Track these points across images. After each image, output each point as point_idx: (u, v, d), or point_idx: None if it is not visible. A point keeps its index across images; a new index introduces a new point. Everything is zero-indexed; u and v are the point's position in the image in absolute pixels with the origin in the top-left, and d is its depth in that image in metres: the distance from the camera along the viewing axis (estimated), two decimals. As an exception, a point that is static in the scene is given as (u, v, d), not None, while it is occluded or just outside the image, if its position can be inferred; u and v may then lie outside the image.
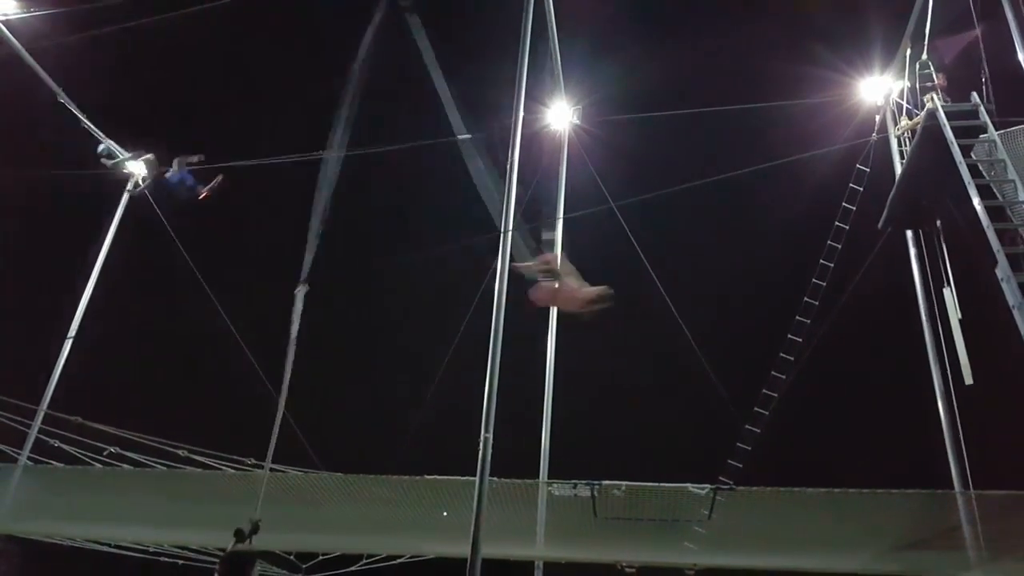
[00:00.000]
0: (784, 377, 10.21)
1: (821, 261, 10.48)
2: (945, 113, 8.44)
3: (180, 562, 11.21)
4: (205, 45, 12.72)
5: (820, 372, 10.69)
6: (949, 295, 9.43)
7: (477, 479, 6.37)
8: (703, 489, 7.59)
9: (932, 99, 8.82)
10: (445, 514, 8.18)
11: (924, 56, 9.64)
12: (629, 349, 13.04)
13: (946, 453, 9.20)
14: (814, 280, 10.44)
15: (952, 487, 8.86)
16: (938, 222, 9.96)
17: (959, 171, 7.83)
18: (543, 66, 11.00)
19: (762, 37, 11.77)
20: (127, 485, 9.21)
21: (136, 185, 12.18)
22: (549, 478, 9.55)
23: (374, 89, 10.04)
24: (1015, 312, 6.60)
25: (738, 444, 10.17)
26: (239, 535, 5.40)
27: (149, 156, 11.71)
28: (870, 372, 12.04)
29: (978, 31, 8.81)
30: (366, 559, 10.81)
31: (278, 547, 10.01)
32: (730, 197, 11.49)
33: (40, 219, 12.08)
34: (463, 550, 6.16)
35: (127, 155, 11.75)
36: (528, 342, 10.82)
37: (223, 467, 9.25)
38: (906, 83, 10.09)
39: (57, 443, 9.58)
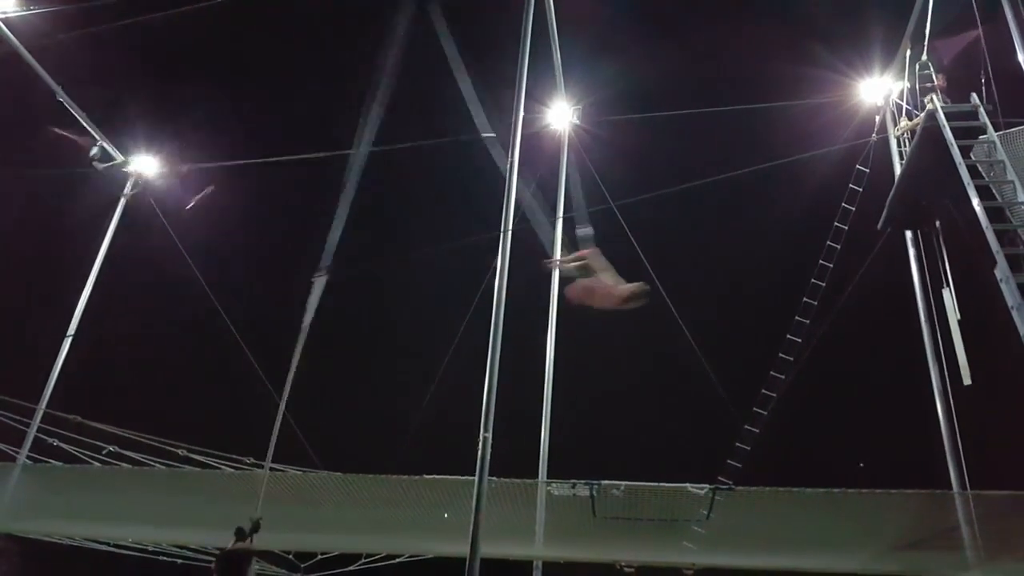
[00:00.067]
0: (783, 377, 10.22)
1: (820, 261, 10.48)
2: (945, 114, 8.44)
3: (179, 561, 11.21)
4: (206, 43, 12.73)
5: (819, 372, 10.69)
6: (948, 296, 9.43)
7: (476, 479, 6.37)
8: (702, 489, 7.60)
9: (932, 100, 8.82)
10: (446, 515, 8.18)
11: (924, 57, 9.64)
12: (628, 349, 13.04)
13: (944, 453, 9.21)
14: (813, 280, 10.45)
15: (950, 487, 8.87)
16: (937, 223, 9.97)
17: (958, 172, 7.83)
18: (543, 66, 11.02)
19: (762, 37, 11.77)
20: (126, 484, 9.21)
21: (135, 185, 12.16)
22: (548, 478, 9.56)
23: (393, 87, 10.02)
24: (1014, 313, 6.60)
25: (737, 444, 10.18)
26: (240, 533, 5.40)
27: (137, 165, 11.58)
28: (869, 372, 12.05)
29: (978, 32, 8.81)
30: (365, 558, 10.81)
31: (277, 546, 10.00)
32: (730, 197, 11.50)
33: (39, 217, 12.07)
34: (462, 549, 6.17)
35: (121, 159, 11.63)
36: (528, 341, 10.82)
37: (222, 466, 9.25)
38: (906, 84, 10.09)
39: (56, 442, 9.58)
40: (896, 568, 8.34)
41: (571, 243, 8.76)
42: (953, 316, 9.25)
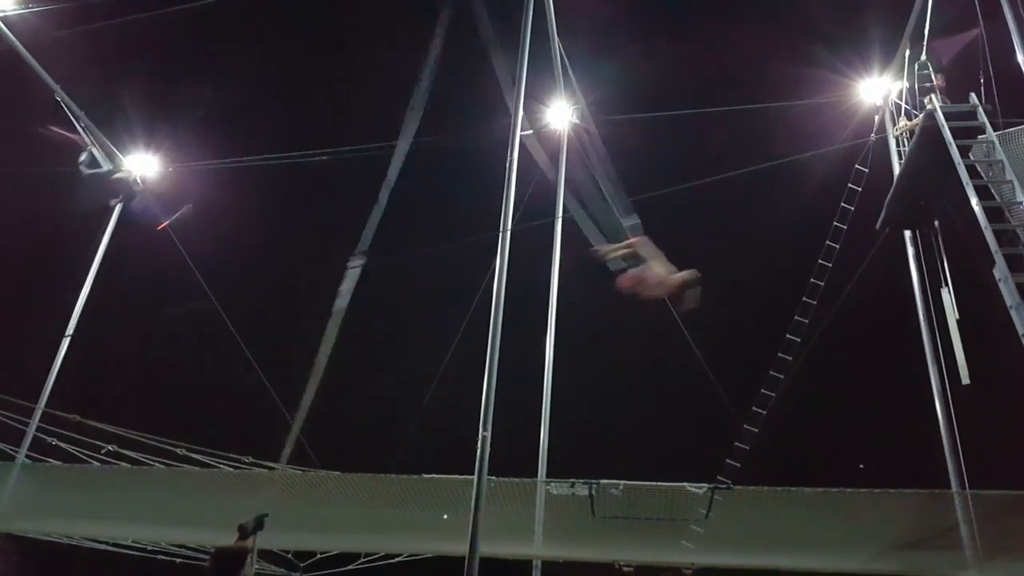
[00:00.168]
0: (782, 377, 10.22)
1: (820, 261, 10.49)
2: (944, 114, 8.44)
3: (178, 560, 11.21)
4: (206, 41, 12.73)
5: (818, 372, 10.70)
6: (947, 295, 9.44)
7: (475, 478, 6.38)
8: (701, 488, 7.60)
9: (931, 100, 8.82)
10: (445, 517, 8.18)
11: (923, 57, 9.64)
12: (628, 348, 13.05)
13: (943, 453, 9.21)
14: (812, 280, 10.45)
15: (949, 487, 8.87)
16: (936, 222, 9.97)
17: (957, 172, 7.83)
18: (543, 66, 11.01)
19: (762, 37, 11.77)
20: (125, 483, 9.20)
21: (133, 184, 12.13)
22: (547, 477, 9.56)
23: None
24: (1012, 312, 6.61)
25: (736, 443, 10.18)
26: (242, 530, 5.39)
27: (124, 174, 11.42)
28: (868, 372, 12.06)
29: (977, 31, 8.81)
30: (364, 558, 10.82)
31: (276, 546, 10.00)
32: (729, 197, 11.49)
33: (38, 217, 12.05)
34: (461, 549, 6.17)
35: (107, 167, 11.44)
36: (527, 341, 10.82)
37: (221, 465, 9.24)
38: (905, 84, 10.09)
39: (55, 441, 9.57)
40: (895, 567, 8.34)
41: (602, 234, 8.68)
42: (952, 316, 9.26)
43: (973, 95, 8.51)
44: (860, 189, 10.68)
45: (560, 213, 11.57)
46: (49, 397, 10.86)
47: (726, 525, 7.89)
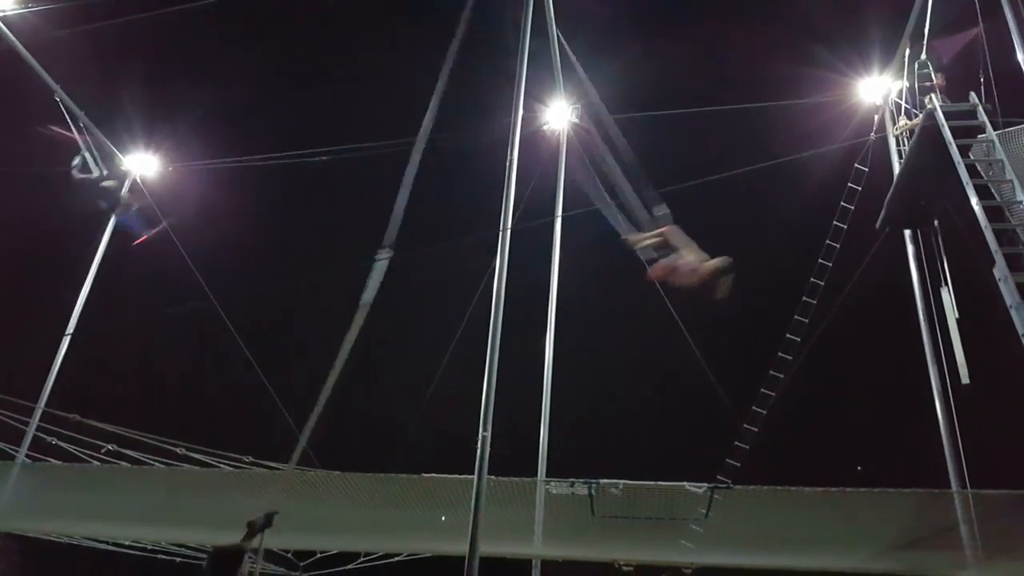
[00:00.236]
0: (782, 376, 10.22)
1: (819, 260, 10.48)
2: (943, 113, 8.43)
3: (178, 560, 11.22)
4: (206, 40, 12.73)
5: (818, 371, 10.69)
6: (946, 295, 9.43)
7: (475, 477, 6.38)
8: (700, 488, 7.60)
9: (931, 99, 8.81)
10: (443, 519, 8.18)
11: (923, 56, 9.64)
12: (627, 348, 13.05)
13: (943, 452, 9.21)
14: (812, 279, 10.45)
15: (949, 486, 8.87)
16: (936, 222, 9.96)
17: (957, 171, 7.83)
18: (542, 65, 11.01)
19: (761, 37, 11.76)
20: (125, 483, 9.20)
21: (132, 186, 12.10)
22: (547, 476, 9.56)
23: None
24: (1012, 312, 6.60)
25: (736, 443, 10.18)
26: (251, 527, 5.40)
27: (111, 183, 11.29)
28: (868, 371, 12.06)
29: (977, 31, 8.81)
30: (364, 557, 10.82)
31: (276, 545, 10.00)
32: (729, 196, 11.48)
33: (38, 215, 12.06)
34: (461, 548, 6.18)
35: (97, 173, 11.26)
36: (527, 340, 10.82)
37: (221, 465, 9.25)
38: (905, 83, 10.08)
39: (55, 440, 9.58)
40: (895, 567, 8.34)
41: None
42: (952, 315, 9.25)
43: (973, 94, 8.50)
44: (860, 188, 10.67)
45: (560, 212, 11.57)
46: (49, 396, 10.86)
47: (726, 524, 7.89)
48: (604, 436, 12.76)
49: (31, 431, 9.99)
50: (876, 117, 11.11)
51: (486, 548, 6.33)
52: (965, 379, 8.92)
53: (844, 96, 11.21)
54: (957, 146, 8.01)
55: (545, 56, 11.20)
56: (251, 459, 9.25)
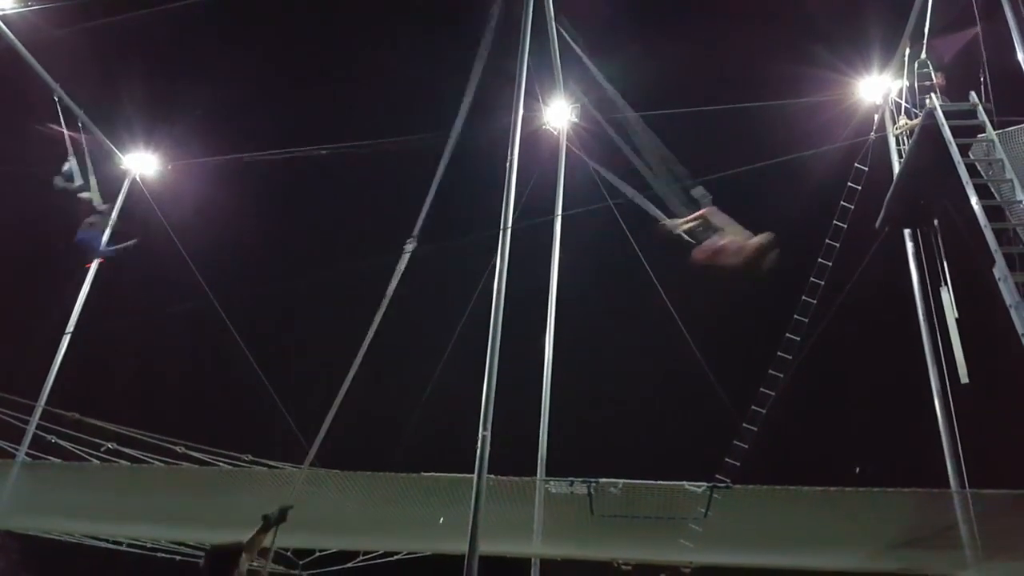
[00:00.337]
0: (781, 376, 10.22)
1: (819, 260, 10.48)
2: (944, 112, 8.43)
3: (177, 558, 11.23)
4: (206, 38, 12.73)
5: (817, 371, 10.69)
6: (946, 294, 9.43)
7: (475, 476, 6.39)
8: (700, 487, 7.61)
9: (931, 98, 8.81)
10: (441, 520, 8.19)
11: (923, 55, 9.63)
12: (627, 347, 13.04)
13: (943, 452, 9.21)
14: (812, 279, 10.44)
15: (948, 486, 8.87)
16: (936, 221, 9.96)
17: (957, 170, 7.82)
18: (542, 64, 11.00)
19: (761, 36, 11.75)
20: (125, 481, 9.21)
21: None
22: (546, 475, 9.57)
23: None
24: (1012, 311, 6.60)
25: (735, 442, 10.18)
26: (266, 520, 5.41)
27: (87, 195, 10.82)
28: (867, 371, 12.05)
29: (977, 30, 8.80)
30: (363, 556, 10.83)
31: (276, 543, 10.00)
32: (729, 196, 11.46)
33: (38, 214, 12.05)
34: (460, 547, 6.18)
35: (79, 183, 10.82)
36: (526, 340, 10.82)
37: (220, 463, 9.25)
38: (905, 82, 10.08)
39: (55, 439, 9.58)
40: (894, 566, 8.34)
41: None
42: (951, 315, 9.25)
43: (973, 94, 8.49)
44: (860, 188, 10.67)
45: (559, 212, 11.58)
46: (49, 395, 10.87)
47: (725, 524, 7.90)
48: (603, 435, 12.77)
49: (31, 430, 10.00)
50: (876, 116, 11.10)
51: (485, 547, 6.34)
52: (964, 379, 8.92)
53: (844, 95, 11.20)
54: (957, 145, 8.01)
55: (546, 55, 11.21)
56: (250, 457, 9.25)
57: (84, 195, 10.74)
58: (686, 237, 7.80)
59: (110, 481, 9.23)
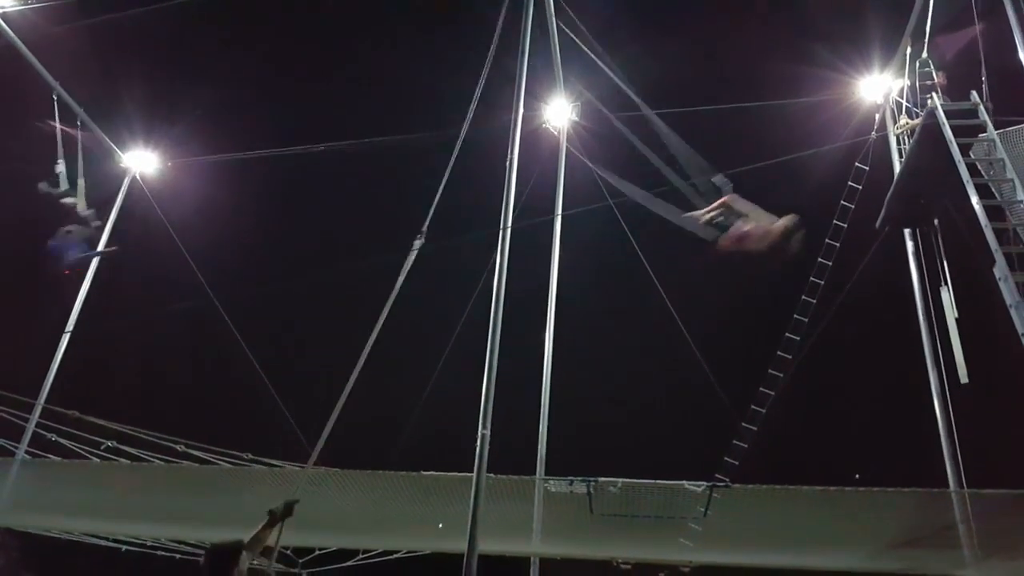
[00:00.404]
0: (781, 375, 10.21)
1: (819, 259, 10.47)
2: (944, 112, 8.42)
3: (177, 556, 11.24)
4: (206, 36, 12.72)
5: (817, 370, 10.68)
6: (946, 294, 9.42)
7: (474, 475, 6.39)
8: (699, 486, 7.62)
9: (932, 98, 8.79)
10: (440, 526, 8.21)
11: (924, 54, 9.61)
12: (626, 346, 13.04)
13: (942, 451, 9.22)
14: (812, 278, 10.44)
15: (947, 486, 8.87)
16: (936, 221, 9.95)
17: (958, 170, 7.81)
18: (543, 63, 10.99)
19: (762, 35, 11.73)
20: (124, 479, 9.22)
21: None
22: (546, 474, 9.57)
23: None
24: (1012, 311, 6.59)
25: (735, 442, 10.18)
26: (272, 515, 5.40)
27: (71, 202, 10.45)
28: (867, 370, 12.05)
29: (978, 29, 8.79)
30: (363, 554, 10.84)
31: (270, 542, 10.01)
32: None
33: (37, 212, 12.04)
34: (459, 546, 6.18)
35: (64, 187, 10.51)
36: (526, 338, 10.82)
37: (220, 462, 9.25)
38: (906, 81, 10.07)
39: (55, 437, 9.58)
40: (893, 566, 8.35)
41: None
42: (951, 315, 9.25)
43: (974, 93, 8.48)
44: (860, 187, 10.65)
45: (559, 211, 11.57)
46: (49, 393, 10.87)
47: (724, 523, 7.91)
48: (603, 434, 12.77)
49: (31, 427, 10.00)
50: (877, 116, 11.09)
51: (485, 546, 6.34)
52: (964, 378, 8.92)
53: (845, 95, 11.19)
54: (958, 145, 7.99)
55: (546, 54, 11.19)
56: (250, 456, 9.25)
57: (68, 200, 10.46)
58: (710, 227, 7.77)
59: (110, 479, 9.24)
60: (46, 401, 10.60)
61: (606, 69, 10.15)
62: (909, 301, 10.22)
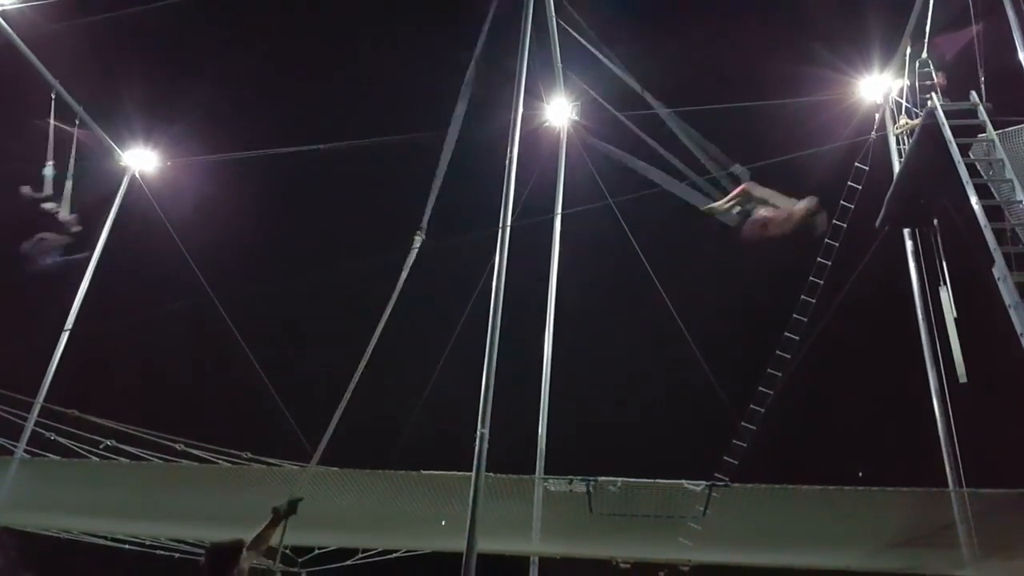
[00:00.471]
0: (780, 375, 10.22)
1: (818, 259, 10.47)
2: (944, 112, 8.42)
3: (177, 555, 11.24)
4: (206, 34, 12.71)
5: (816, 370, 10.69)
6: (945, 294, 9.43)
7: (473, 474, 6.40)
8: (699, 485, 7.62)
9: (931, 98, 8.80)
10: (443, 523, 8.20)
11: (924, 55, 9.62)
12: (626, 345, 13.04)
13: (941, 451, 9.23)
14: (811, 278, 10.44)
15: (946, 485, 8.89)
16: (935, 221, 9.95)
17: (957, 170, 7.82)
18: (542, 62, 10.99)
19: (762, 35, 11.73)
20: (124, 478, 9.21)
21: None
22: (545, 473, 9.58)
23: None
24: (1011, 311, 6.60)
25: (734, 441, 10.18)
26: (275, 513, 5.40)
27: (51, 206, 10.38)
28: (866, 370, 12.05)
29: (977, 29, 8.79)
30: (362, 553, 10.84)
31: (274, 541, 10.00)
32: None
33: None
34: (459, 545, 6.19)
35: (46, 193, 10.43)
36: (525, 338, 10.82)
37: (219, 461, 9.25)
38: (905, 81, 10.07)
39: (53, 436, 9.57)
40: (892, 565, 8.37)
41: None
42: (950, 314, 9.25)
43: (973, 93, 8.48)
44: (860, 187, 10.66)
45: (559, 210, 11.57)
46: (48, 392, 10.87)
47: (724, 522, 7.92)
48: (602, 433, 12.77)
49: (30, 426, 9.99)
50: (876, 116, 11.09)
51: (484, 545, 6.35)
52: (963, 378, 8.93)
53: (844, 95, 11.19)
54: (957, 145, 8.00)
55: (547, 53, 11.20)
56: (249, 455, 9.24)
57: (48, 206, 10.35)
58: (732, 214, 7.76)
59: (109, 478, 9.23)
60: (45, 400, 10.60)
61: (608, 63, 10.16)
62: (908, 301, 10.23)
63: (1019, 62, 7.99)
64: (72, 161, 10.86)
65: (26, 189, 10.26)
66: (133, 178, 12.77)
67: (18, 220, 10.77)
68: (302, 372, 12.77)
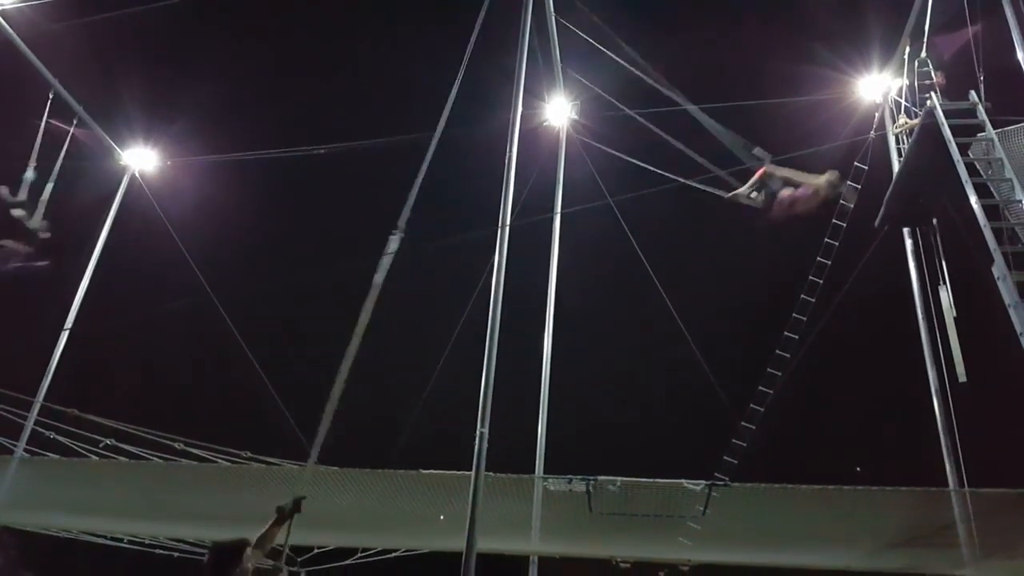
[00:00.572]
0: (780, 374, 10.22)
1: (818, 259, 10.47)
2: (943, 111, 8.42)
3: (176, 555, 11.24)
4: (206, 34, 12.71)
5: (816, 369, 10.69)
6: (944, 293, 9.43)
7: (473, 473, 6.40)
8: (698, 485, 7.62)
9: (931, 97, 8.80)
10: (442, 517, 8.19)
11: (923, 54, 9.62)
12: (626, 344, 13.04)
13: (941, 450, 9.23)
14: (811, 277, 10.44)
15: (946, 484, 8.89)
16: (935, 220, 9.96)
17: (956, 169, 7.82)
18: (542, 61, 11.00)
19: (761, 34, 11.74)
20: (123, 477, 9.21)
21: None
22: (545, 473, 9.57)
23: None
24: (1011, 310, 6.60)
25: (734, 440, 10.18)
26: (280, 512, 5.39)
27: (22, 213, 10.11)
28: (866, 369, 12.05)
29: (976, 29, 8.79)
30: (361, 553, 10.84)
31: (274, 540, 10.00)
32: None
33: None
34: (458, 544, 6.18)
35: (21, 198, 10.13)
36: (525, 337, 10.81)
37: (219, 460, 9.24)
38: (905, 81, 10.07)
39: (53, 435, 9.56)
40: (893, 565, 8.37)
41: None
42: (949, 314, 9.26)
43: (973, 93, 8.48)
44: (859, 187, 10.66)
45: (559, 209, 11.57)
46: (47, 391, 10.87)
47: (723, 522, 7.92)
48: (602, 433, 12.77)
49: (29, 425, 10.00)
50: (876, 115, 11.09)
51: (483, 544, 6.34)
52: (963, 377, 8.93)
53: (844, 94, 11.19)
54: (956, 144, 8.00)
55: (547, 52, 11.20)
56: (248, 454, 9.24)
57: (17, 212, 10.04)
58: (757, 199, 7.77)
59: (109, 477, 9.23)
60: (45, 399, 10.60)
61: (614, 57, 10.13)
62: (908, 300, 10.24)
63: (1018, 61, 8.00)
64: (58, 164, 10.61)
65: (3, 190, 9.99)
66: (133, 177, 12.77)
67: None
68: (302, 372, 12.76)
